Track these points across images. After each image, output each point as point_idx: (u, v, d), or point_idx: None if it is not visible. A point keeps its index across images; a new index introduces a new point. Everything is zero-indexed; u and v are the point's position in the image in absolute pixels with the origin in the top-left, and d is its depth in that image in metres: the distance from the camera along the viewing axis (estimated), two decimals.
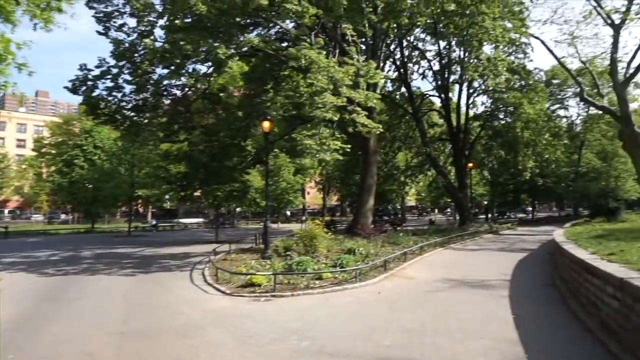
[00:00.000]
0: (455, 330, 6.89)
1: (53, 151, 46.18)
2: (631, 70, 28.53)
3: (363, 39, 22.20)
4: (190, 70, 19.32)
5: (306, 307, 8.84)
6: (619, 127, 29.45)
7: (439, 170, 33.16)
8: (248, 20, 20.92)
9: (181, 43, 15.07)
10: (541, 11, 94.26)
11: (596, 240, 10.32)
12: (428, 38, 31.42)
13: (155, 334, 7.11)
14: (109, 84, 18.85)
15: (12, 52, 7.26)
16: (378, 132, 20.10)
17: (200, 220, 51.05)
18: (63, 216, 58.78)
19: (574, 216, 43.96)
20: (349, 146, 16.66)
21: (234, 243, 20.30)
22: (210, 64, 19.20)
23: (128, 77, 19.03)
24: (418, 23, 23.67)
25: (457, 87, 33.72)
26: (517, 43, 30.44)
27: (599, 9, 28.62)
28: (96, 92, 18.91)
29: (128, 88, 19.51)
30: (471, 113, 34.79)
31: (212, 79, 22.99)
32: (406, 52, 31.82)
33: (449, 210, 58.98)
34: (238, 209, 58.25)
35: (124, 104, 19.96)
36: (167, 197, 41.44)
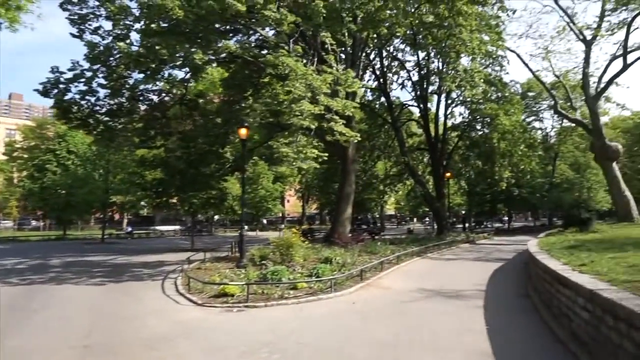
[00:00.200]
0: (428, 342, 6.81)
1: (25, 155, 44.87)
2: (602, 85, 29.51)
3: (343, 48, 22.28)
4: (166, 75, 19.15)
5: (279, 318, 8.65)
6: (591, 140, 30.27)
7: (417, 179, 33.40)
8: (228, 27, 20.76)
9: (157, 47, 14.81)
10: (517, 25, 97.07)
11: (568, 251, 10.42)
12: (407, 49, 31.85)
13: (121, 347, 6.83)
14: (83, 87, 18.41)
15: None
16: (356, 141, 20.12)
17: (177, 227, 50.21)
18: (34, 223, 56.97)
19: (549, 226, 44.83)
20: (327, 154, 16.61)
21: (210, 251, 19.96)
22: (187, 69, 19.06)
23: (103, 81, 18.62)
24: (397, 33, 23.93)
25: (435, 97, 34.22)
26: (494, 56, 31.12)
27: (571, 25, 29.60)
28: (69, 96, 18.44)
29: (102, 92, 19.11)
30: (449, 123, 35.23)
31: (189, 84, 22.78)
32: (386, 62, 32.18)
33: (427, 219, 59.48)
34: (216, 217, 57.56)
35: (97, 108, 19.50)
36: (143, 203, 40.60)
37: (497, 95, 32.30)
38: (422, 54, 30.96)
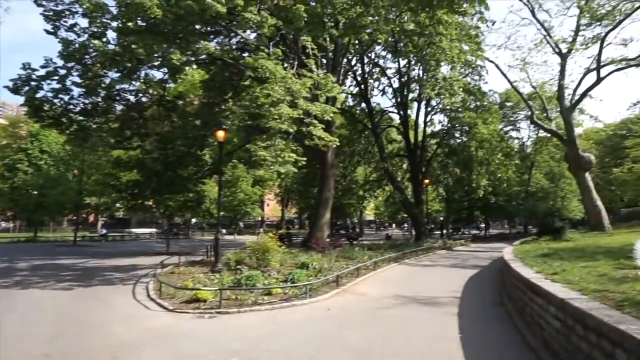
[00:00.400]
0: (402, 349, 6.74)
1: None
2: (576, 97, 30.28)
3: (324, 53, 22.27)
4: (144, 75, 18.77)
5: (252, 324, 8.47)
6: (565, 150, 30.94)
7: (396, 185, 33.56)
8: (208, 29, 20.51)
9: (133, 47, 14.48)
10: (496, 36, 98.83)
11: (542, 259, 10.54)
12: (389, 56, 32.04)
13: (84, 356, 6.56)
14: (56, 85, 17.86)
15: None
16: (336, 146, 20.08)
17: (154, 230, 49.29)
18: (3, 224, 55.23)
19: (524, 234, 45.64)
20: (305, 159, 16.51)
21: (185, 255, 19.61)
22: (165, 70, 18.70)
23: (77, 80, 18.12)
24: (378, 40, 24.07)
25: (415, 104, 34.54)
26: (473, 65, 31.59)
27: (548, 37, 30.30)
28: (41, 94, 17.86)
29: (77, 91, 18.58)
30: (428, 131, 35.59)
31: (168, 85, 22.39)
32: (367, 68, 32.40)
33: (406, 225, 59.86)
34: (194, 220, 56.78)
35: (71, 107, 18.93)
36: (118, 205, 39.75)
37: (476, 104, 32.79)
38: (403, 62, 31.23)
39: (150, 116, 22.65)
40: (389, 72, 33.43)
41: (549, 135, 39.02)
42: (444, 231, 47.19)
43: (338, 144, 19.40)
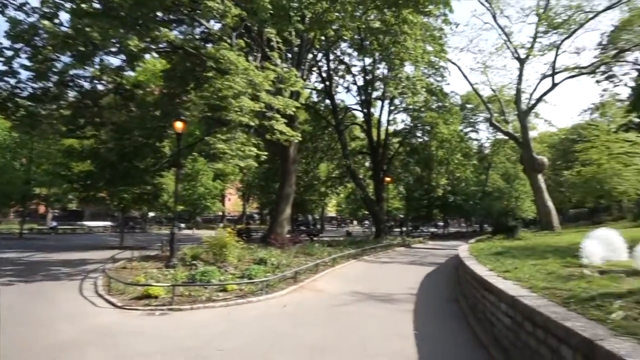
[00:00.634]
0: (356, 347, 6.69)
1: None
2: (532, 101, 31.40)
3: (289, 47, 22.02)
4: (99, 61, 17.92)
5: (205, 322, 8.21)
6: (520, 152, 32.04)
7: (358, 182, 33.79)
8: (171, 16, 19.81)
9: (87, 30, 13.74)
10: (459, 39, 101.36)
11: (495, 257, 10.80)
12: (354, 53, 32.15)
13: (20, 356, 6.12)
14: (1, 67, 16.78)
15: None
16: (298, 141, 19.92)
17: (108, 223, 47.44)
18: None
19: (480, 232, 47.09)
20: (266, 153, 16.26)
21: (140, 249, 18.93)
22: (123, 56, 17.92)
23: (26, 62, 17.09)
24: (344, 37, 24.07)
25: (379, 103, 34.85)
26: (436, 66, 32.18)
27: (508, 43, 31.26)
28: None
29: (25, 74, 17.54)
30: (391, 129, 36.01)
31: (125, 73, 21.49)
32: (332, 65, 32.35)
33: (366, 222, 60.50)
34: (151, 213, 55.15)
35: (18, 91, 17.84)
36: (70, 197, 37.96)
37: (438, 104, 33.44)
38: (368, 60, 31.42)
39: (106, 105, 21.71)
40: (354, 69, 33.62)
41: (506, 137, 40.31)
42: (404, 229, 47.99)
43: (300, 139, 19.26)
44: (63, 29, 15.57)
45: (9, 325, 7.76)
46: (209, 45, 18.72)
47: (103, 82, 20.72)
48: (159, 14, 17.31)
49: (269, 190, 44.27)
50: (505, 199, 47.81)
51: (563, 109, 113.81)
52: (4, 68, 16.87)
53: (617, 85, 44.79)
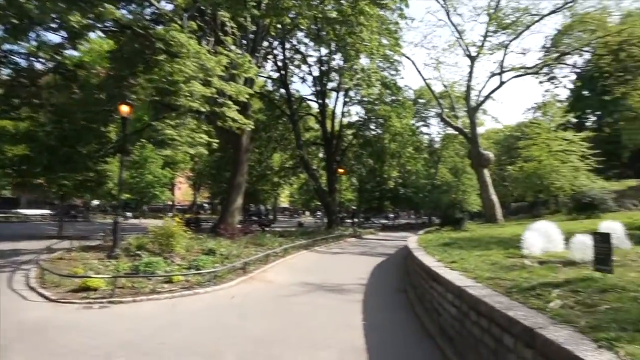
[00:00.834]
0: (305, 339, 6.61)
1: None
2: (481, 98, 32.45)
3: (244, 33, 21.45)
4: (36, 36, 16.65)
5: (147, 315, 7.84)
6: (469, 147, 33.14)
7: (311, 173, 33.75)
8: None
9: (22, 1, 12.68)
10: (414, 34, 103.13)
11: (442, 248, 11.06)
12: (311, 43, 31.89)
13: None
14: None
15: None
16: (251, 130, 19.53)
17: (47, 212, 44.74)
18: None
19: (428, 224, 48.51)
20: (218, 141, 15.79)
21: (80, 239, 17.89)
22: (64, 33, 16.74)
23: None
24: (301, 26, 23.79)
25: (334, 94, 34.86)
26: (391, 60, 32.52)
27: (460, 40, 32.05)
28: None
29: None
30: (345, 121, 36.17)
31: (67, 51, 20.13)
32: (288, 54, 31.94)
33: (319, 213, 60.77)
34: (95, 202, 52.61)
35: None
36: (2, 183, 35.42)
37: (392, 98, 33.89)
38: (324, 50, 31.29)
39: (45, 85, 20.28)
40: (310, 59, 33.33)
41: (455, 132, 41.54)
42: (355, 220, 48.62)
43: (253, 127, 18.87)
44: None
45: None
46: (160, 27, 17.90)
47: (41, 60, 19.32)
48: None
49: (220, 180, 43.36)
50: (453, 192, 49.46)
51: (509, 107, 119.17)
52: None
53: (558, 87, 47.38)
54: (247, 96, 15.72)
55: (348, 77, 27.20)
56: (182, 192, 69.27)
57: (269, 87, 34.69)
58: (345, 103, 35.33)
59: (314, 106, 36.43)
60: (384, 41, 28.17)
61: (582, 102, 46.68)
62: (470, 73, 31.85)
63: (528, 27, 29.56)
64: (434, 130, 77.78)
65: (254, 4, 19.16)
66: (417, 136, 40.89)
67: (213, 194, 56.87)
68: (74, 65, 21.57)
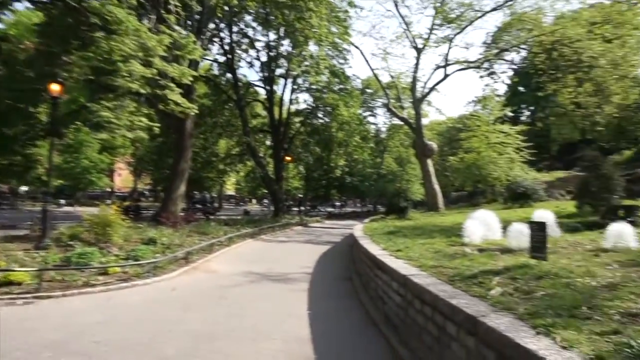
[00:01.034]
0: (249, 331, 6.43)
1: None
2: (426, 90, 33.25)
3: (189, 13, 20.50)
4: None
5: (79, 310, 7.33)
6: (413, 138, 33.95)
7: (257, 161, 33.26)
8: None
9: None
10: (363, 24, 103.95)
11: (387, 237, 11.23)
12: (259, 28, 31.19)
13: None
14: None
15: None
16: (195, 115, 18.80)
17: None
18: None
19: (374, 212, 49.47)
20: (159, 125, 15.05)
21: (4, 229, 16.57)
22: None
23: None
24: (248, 8, 23.11)
25: (282, 81, 34.42)
26: (340, 48, 32.52)
27: (407, 32, 32.51)
28: None
29: None
30: (293, 108, 35.86)
31: None
32: (235, 38, 31.02)
33: (265, 201, 60.28)
34: (24, 188, 48.97)
35: None
36: None
37: (340, 87, 33.96)
38: (272, 35, 30.73)
39: None
40: (258, 44, 32.57)
41: (401, 122, 42.43)
42: (302, 208, 48.68)
43: (197, 112, 18.15)
44: None
45: None
46: (96, 1, 16.66)
47: None
48: None
49: (162, 166, 41.73)
50: (398, 182, 50.72)
51: (452, 100, 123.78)
52: None
53: (497, 82, 49.71)
54: (191, 79, 15.03)
55: (296, 64, 26.86)
56: (122, 179, 66.12)
57: (215, 71, 33.64)
58: (293, 90, 35.04)
59: (262, 92, 35.78)
60: (333, 29, 28.07)
61: (518, 97, 49.36)
62: (417, 65, 32.50)
63: (471, 22, 30.51)
64: (381, 120, 79.28)
65: None
66: (364, 125, 41.39)
67: (155, 181, 54.71)
68: None
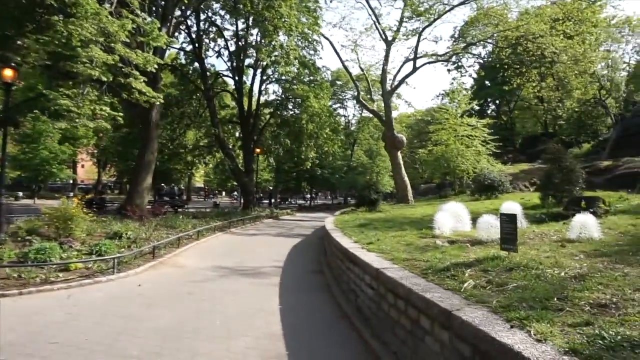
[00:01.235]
0: (218, 328, 6.24)
1: None
2: (396, 82, 33.45)
3: None
4: None
5: (37, 309, 6.93)
6: (383, 130, 34.16)
7: (226, 152, 32.69)
8: None
9: None
10: (333, 15, 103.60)
11: (359, 229, 11.20)
12: (227, 16, 30.50)
13: None
14: None
15: None
16: (161, 105, 18.21)
17: None
18: None
19: (344, 204, 49.72)
20: (121, 114, 14.45)
21: None
22: None
23: None
24: None
25: (251, 71, 33.87)
26: (310, 39, 32.22)
27: (377, 24, 32.51)
28: None
29: None
30: (263, 100, 35.39)
31: None
32: (203, 26, 30.24)
33: (235, 193, 59.57)
34: None
35: None
36: None
37: (310, 78, 33.68)
38: (241, 25, 30.11)
39: None
40: (226, 33, 31.87)
41: (371, 115, 42.62)
42: (272, 200, 48.36)
43: (163, 101, 17.56)
44: None
45: None
46: None
47: None
48: None
49: (128, 157, 40.48)
50: (368, 174, 51.11)
51: (421, 93, 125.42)
52: None
53: (464, 75, 50.68)
54: (156, 67, 14.49)
55: (265, 54, 26.33)
56: (86, 171, 63.89)
57: (182, 60, 32.74)
58: (262, 81, 34.52)
59: (231, 83, 35.15)
60: (303, 19, 27.73)
61: (484, 91, 50.47)
62: (386, 57, 32.59)
63: (440, 16, 30.78)
64: (351, 112, 79.45)
65: None
66: (334, 118, 41.29)
67: (120, 173, 53.14)
68: None
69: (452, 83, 45.30)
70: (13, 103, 14.02)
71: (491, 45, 33.05)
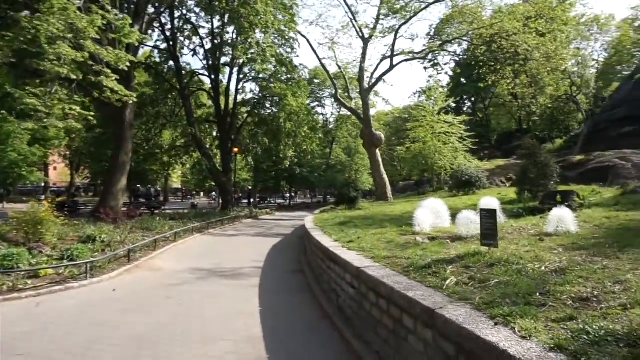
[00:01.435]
0: (196, 333, 6.05)
1: None
2: (373, 80, 33.51)
3: None
4: None
5: (3, 319, 6.59)
6: (361, 128, 34.21)
7: (204, 152, 32.20)
8: None
9: None
10: (309, 12, 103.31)
11: (339, 227, 11.12)
12: (202, 14, 29.98)
13: None
14: None
15: None
16: (135, 104, 17.74)
17: None
18: None
19: (324, 203, 49.66)
20: (92, 114, 13.98)
21: None
22: None
23: None
24: None
25: (228, 69, 33.39)
26: (286, 37, 31.97)
27: (354, 21, 32.49)
28: None
29: None
30: (240, 98, 34.99)
31: None
32: (177, 24, 29.65)
33: (214, 193, 58.86)
34: None
35: None
36: None
37: (287, 76, 33.40)
38: (216, 23, 29.65)
39: None
40: (201, 31, 31.33)
41: (349, 113, 42.62)
42: (252, 200, 47.92)
43: (137, 101, 17.10)
44: None
45: None
46: None
47: None
48: None
49: (101, 159, 39.47)
50: (347, 172, 51.17)
51: (398, 91, 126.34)
52: None
53: (440, 73, 51.24)
54: (128, 65, 14.04)
55: (242, 51, 25.91)
56: (59, 173, 62.12)
57: (157, 58, 32.05)
58: (239, 79, 34.08)
59: (207, 81, 34.60)
60: (279, 16, 27.48)
61: (460, 89, 51.12)
62: (364, 55, 32.58)
63: (416, 13, 30.96)
64: (329, 110, 79.51)
65: None
66: (312, 116, 41.17)
67: (94, 175, 51.84)
68: None
69: (429, 81, 45.82)
70: None
71: (466, 43, 33.47)
